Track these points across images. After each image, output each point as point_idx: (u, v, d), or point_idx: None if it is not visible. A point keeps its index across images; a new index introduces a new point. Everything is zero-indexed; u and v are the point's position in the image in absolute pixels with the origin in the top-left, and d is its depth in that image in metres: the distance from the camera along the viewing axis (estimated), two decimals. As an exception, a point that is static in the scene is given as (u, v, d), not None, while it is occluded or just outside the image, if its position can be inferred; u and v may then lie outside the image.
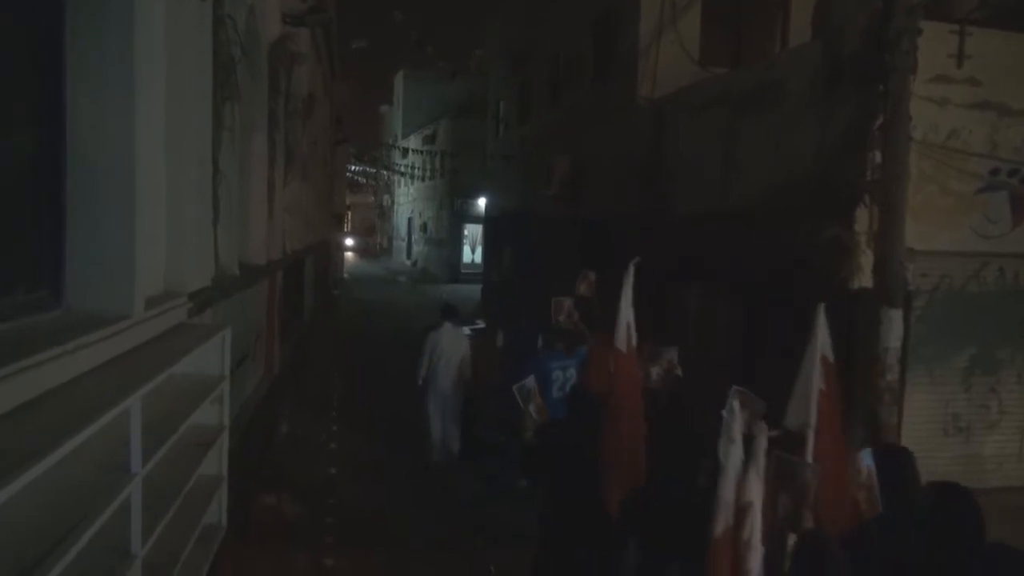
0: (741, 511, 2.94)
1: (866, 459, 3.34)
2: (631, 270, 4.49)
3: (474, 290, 21.56)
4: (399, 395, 9.07)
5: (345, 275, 28.30)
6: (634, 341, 4.30)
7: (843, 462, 3.46)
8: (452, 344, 7.50)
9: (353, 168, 35.29)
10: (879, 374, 5.43)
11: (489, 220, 22.34)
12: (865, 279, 5.62)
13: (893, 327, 5.42)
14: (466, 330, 8.56)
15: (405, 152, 32.59)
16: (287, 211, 8.04)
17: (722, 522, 2.96)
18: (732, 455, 3.00)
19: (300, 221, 9.95)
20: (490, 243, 21.89)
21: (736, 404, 3.26)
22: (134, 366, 2.49)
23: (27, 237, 2.46)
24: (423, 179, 33.74)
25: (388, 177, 41.36)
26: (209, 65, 4.04)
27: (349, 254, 40.93)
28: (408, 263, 37.22)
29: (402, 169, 35.00)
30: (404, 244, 40.26)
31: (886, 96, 5.52)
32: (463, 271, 28.75)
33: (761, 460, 3.01)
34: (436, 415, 7.50)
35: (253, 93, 5.91)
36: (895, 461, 3.19)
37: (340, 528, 5.93)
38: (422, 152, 32.47)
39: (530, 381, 5.40)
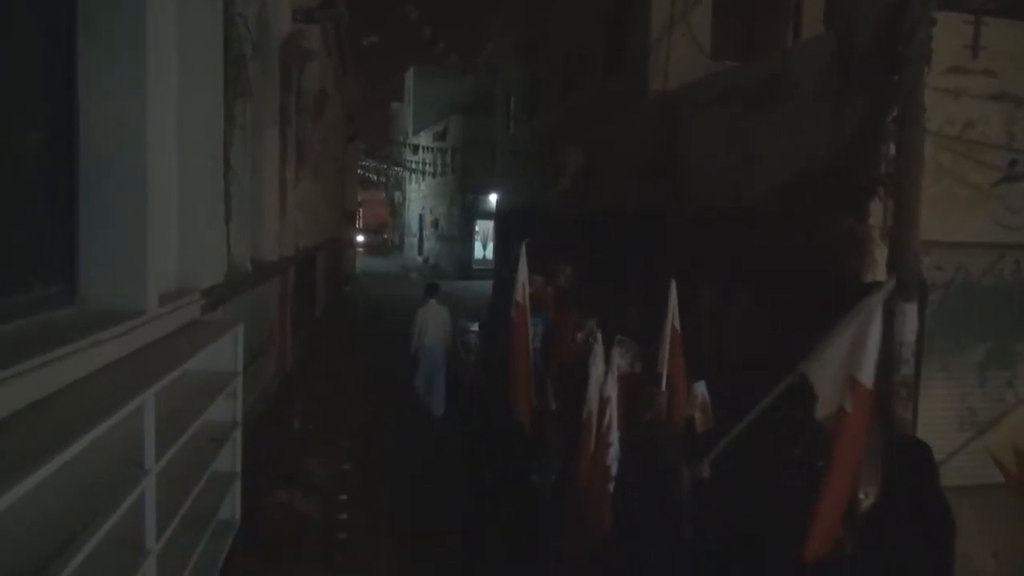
0: (603, 403, 4.15)
1: (700, 388, 4.85)
2: (523, 248, 5.91)
3: (485, 286, 21.54)
4: (408, 387, 9.17)
5: (357, 271, 28.35)
6: (527, 297, 5.76)
7: (682, 392, 4.98)
8: (435, 317, 8.86)
9: (364, 164, 35.33)
10: (894, 368, 5.37)
11: (500, 216, 22.31)
12: (879, 273, 5.57)
13: (908, 321, 5.36)
14: (474, 327, 9.14)
15: (416, 149, 32.62)
16: (299, 208, 8.07)
17: (586, 411, 4.21)
18: (597, 365, 4.28)
19: (311, 218, 9.98)
20: (501, 239, 21.87)
21: (599, 335, 4.65)
22: (147, 362, 2.50)
23: (41, 235, 2.47)
24: (434, 175, 33.73)
25: (399, 174, 41.41)
26: (221, 62, 4.05)
27: (361, 250, 41.08)
28: (420, 259, 37.25)
29: (413, 166, 35.04)
30: (416, 240, 40.28)
31: (900, 88, 5.45)
32: (475, 267, 28.71)
33: (615, 369, 4.31)
34: (424, 377, 8.81)
35: (264, 90, 5.93)
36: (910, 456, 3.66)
37: (352, 524, 5.96)
38: (433, 149, 32.48)
39: (472, 337, 6.93)
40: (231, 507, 3.44)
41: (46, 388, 1.96)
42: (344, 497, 6.40)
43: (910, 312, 5.37)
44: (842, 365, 3.67)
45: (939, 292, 5.78)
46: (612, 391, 4.12)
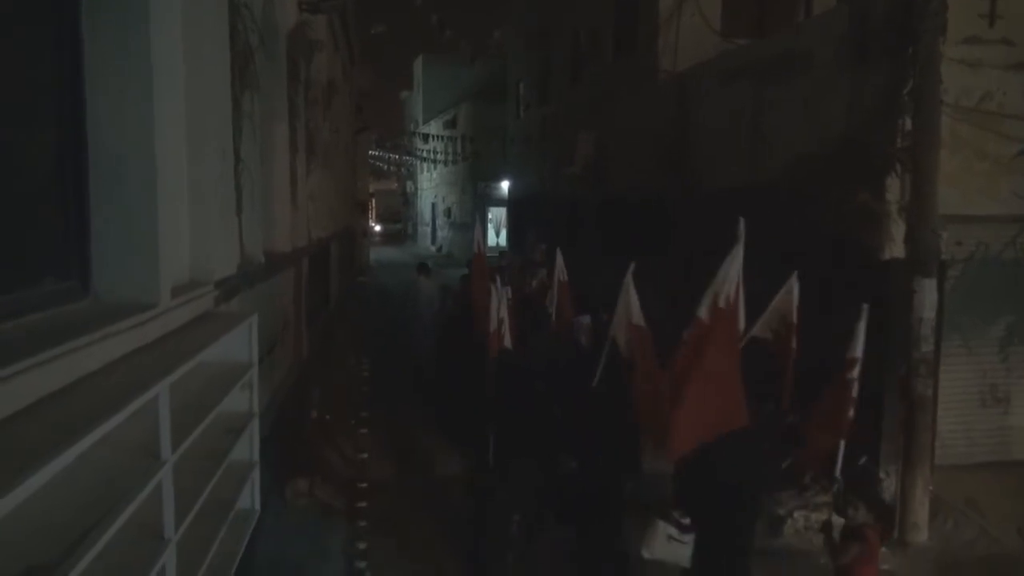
0: (500, 321, 5.85)
1: (585, 319, 6.33)
2: (477, 226, 9.09)
3: (499, 273, 21.42)
4: (423, 375, 9.18)
5: (371, 262, 28.38)
6: (484, 249, 8.29)
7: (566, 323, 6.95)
8: (424, 289, 11.09)
9: (375, 154, 35.33)
10: (913, 346, 5.31)
11: (512, 202, 22.27)
12: (896, 249, 5.50)
13: (927, 297, 5.29)
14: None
15: (426, 138, 32.56)
16: (311, 199, 8.07)
17: (491, 326, 5.80)
18: (494, 299, 5.86)
19: (324, 209, 9.99)
20: (514, 225, 21.83)
21: (506, 289, 6.47)
22: (162, 354, 2.49)
23: (53, 229, 2.47)
24: (445, 164, 33.67)
25: (410, 163, 41.39)
26: (227, 54, 4.03)
27: (378, 239, 41.35)
28: (433, 248, 37.23)
29: (424, 154, 34.99)
30: (429, 230, 40.29)
31: (915, 60, 5.36)
32: (488, 254, 28.59)
33: (505, 298, 6.15)
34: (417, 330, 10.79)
35: (272, 82, 5.91)
36: None
37: (373, 511, 5.99)
38: (443, 137, 32.40)
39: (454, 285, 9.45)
40: (250, 496, 3.44)
41: (61, 380, 1.96)
42: (364, 485, 6.44)
43: (929, 288, 5.31)
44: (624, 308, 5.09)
45: (958, 267, 5.71)
46: (505, 314, 6.07)
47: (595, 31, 13.00)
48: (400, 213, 50.59)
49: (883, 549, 5.37)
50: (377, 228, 46.89)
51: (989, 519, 5.61)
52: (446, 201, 35.33)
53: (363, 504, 6.09)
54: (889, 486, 5.59)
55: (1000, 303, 5.86)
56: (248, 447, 3.41)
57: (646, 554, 4.34)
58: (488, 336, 5.96)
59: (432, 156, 33.77)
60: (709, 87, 8.46)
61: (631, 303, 5.01)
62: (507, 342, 6.25)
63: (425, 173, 40.53)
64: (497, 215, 29.26)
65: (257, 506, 3.49)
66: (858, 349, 4.36)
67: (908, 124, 5.42)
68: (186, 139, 3.20)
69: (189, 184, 3.25)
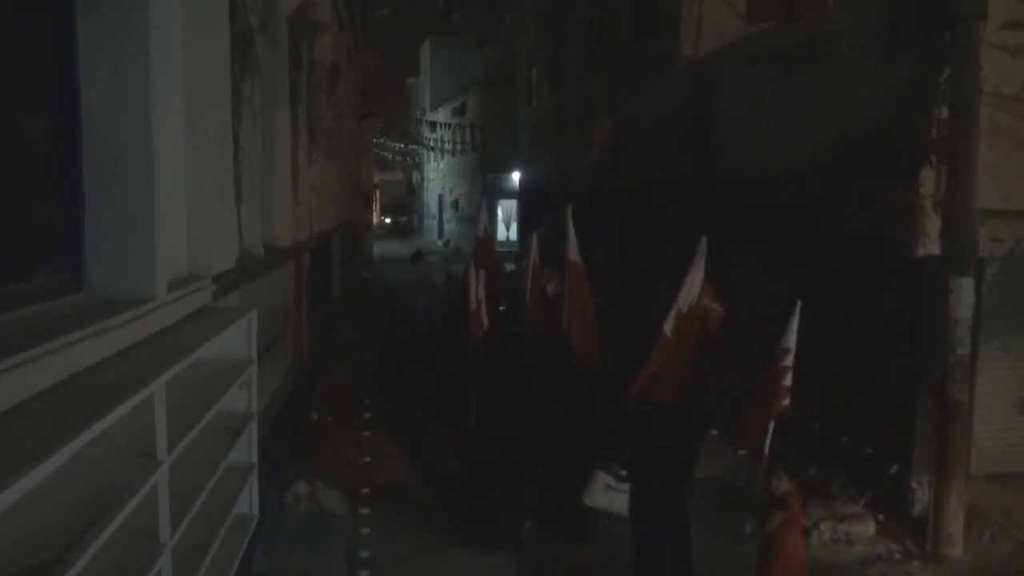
0: (477, 303, 6.64)
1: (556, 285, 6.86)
2: (483, 211, 9.82)
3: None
4: (426, 373, 9.08)
5: (375, 256, 28.06)
6: (488, 235, 9.22)
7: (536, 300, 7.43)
8: (418, 273, 13.06)
9: (380, 143, 35.06)
10: (949, 348, 5.07)
11: (523, 194, 22.02)
12: (931, 245, 5.26)
13: (964, 297, 5.05)
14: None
15: (434, 126, 32.24)
16: (313, 190, 7.89)
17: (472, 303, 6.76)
18: (473, 279, 6.87)
19: (326, 200, 9.81)
20: (525, 219, 21.58)
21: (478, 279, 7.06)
22: (157, 350, 2.40)
23: (47, 221, 2.39)
24: (453, 154, 33.35)
25: (417, 152, 41.11)
26: (227, 36, 3.87)
27: (385, 231, 41.28)
28: (439, 242, 36.86)
29: (431, 144, 34.68)
30: (435, 223, 39.93)
31: (953, 46, 5.12)
32: (498, 249, 28.10)
33: (482, 281, 6.95)
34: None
35: (273, 65, 5.73)
36: None
37: (375, 517, 5.80)
38: (451, 125, 32.05)
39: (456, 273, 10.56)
40: (248, 500, 3.30)
41: (55, 376, 1.89)
42: (366, 491, 6.24)
43: (966, 287, 5.07)
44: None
45: (996, 265, 5.47)
46: (483, 296, 6.90)
47: (611, 14, 12.72)
48: (405, 205, 50.30)
49: (915, 563, 5.17)
50: (387, 220, 47.22)
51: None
52: (453, 193, 35.00)
53: (365, 510, 5.90)
54: (922, 496, 5.38)
55: (1043, 305, 5.60)
56: (247, 449, 3.26)
57: (588, 502, 5.17)
58: (471, 315, 6.81)
59: (439, 145, 33.49)
60: (732, 73, 8.21)
61: (570, 240, 5.81)
62: (484, 321, 7.00)
63: (432, 163, 40.22)
64: (507, 208, 28.86)
65: (256, 511, 3.42)
66: (791, 340, 4.77)
67: (944, 113, 5.17)
68: (184, 126, 3.11)
69: (187, 174, 3.16)
